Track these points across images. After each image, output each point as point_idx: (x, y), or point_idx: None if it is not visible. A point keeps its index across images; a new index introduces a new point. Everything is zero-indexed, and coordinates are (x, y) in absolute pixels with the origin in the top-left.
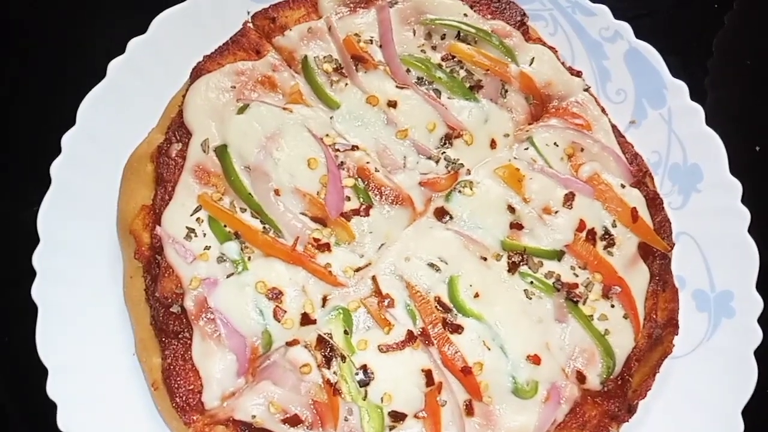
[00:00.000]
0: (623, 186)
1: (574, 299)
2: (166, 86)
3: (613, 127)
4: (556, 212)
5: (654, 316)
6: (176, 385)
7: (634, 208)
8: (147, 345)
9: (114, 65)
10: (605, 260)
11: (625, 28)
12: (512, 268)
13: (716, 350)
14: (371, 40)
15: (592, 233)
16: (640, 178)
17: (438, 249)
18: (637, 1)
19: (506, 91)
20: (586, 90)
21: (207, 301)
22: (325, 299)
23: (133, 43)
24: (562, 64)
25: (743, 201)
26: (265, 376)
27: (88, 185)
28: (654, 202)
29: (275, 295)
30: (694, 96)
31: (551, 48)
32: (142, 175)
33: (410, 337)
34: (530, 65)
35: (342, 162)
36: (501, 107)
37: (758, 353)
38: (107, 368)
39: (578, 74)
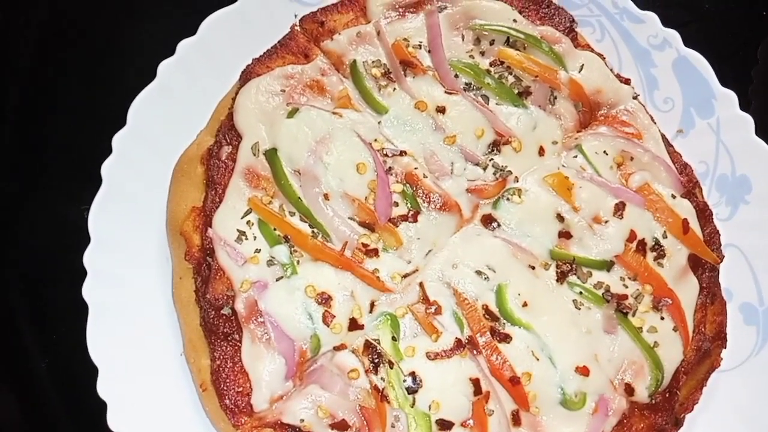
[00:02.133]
0: (674, 196)
1: (624, 311)
2: (215, 88)
3: (662, 136)
4: (606, 222)
5: (703, 329)
6: (225, 387)
7: (686, 219)
8: (196, 346)
9: (164, 66)
10: (655, 272)
11: (674, 35)
12: (561, 277)
13: (765, 365)
14: (420, 45)
15: (642, 244)
16: (690, 188)
17: (486, 257)
18: (684, 8)
19: (555, 97)
20: (635, 98)
21: (257, 304)
22: (372, 305)
23: (183, 45)
24: (611, 71)
25: None
26: (313, 380)
27: (138, 185)
28: (703, 214)
29: (324, 299)
30: (741, 105)
31: (599, 55)
32: (192, 176)
33: (458, 345)
34: (580, 72)
35: (390, 167)
36: (549, 114)
37: None
38: (156, 368)
39: (627, 82)
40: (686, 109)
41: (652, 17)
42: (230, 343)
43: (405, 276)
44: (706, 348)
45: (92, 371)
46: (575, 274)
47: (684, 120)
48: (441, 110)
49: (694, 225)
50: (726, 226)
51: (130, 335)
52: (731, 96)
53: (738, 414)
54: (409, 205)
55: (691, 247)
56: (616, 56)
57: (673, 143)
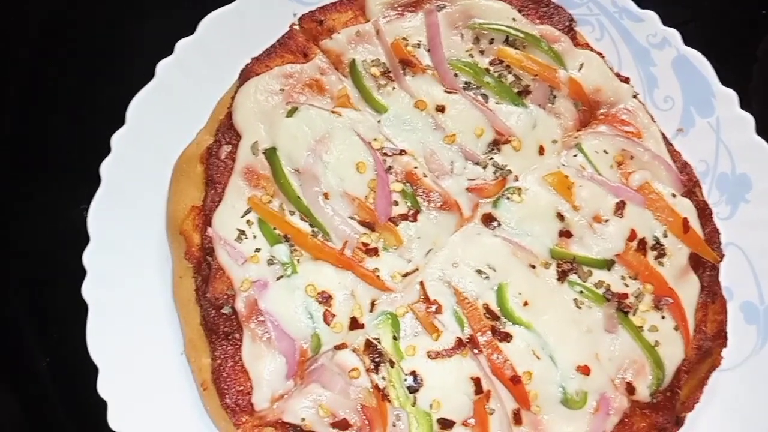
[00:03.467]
0: (674, 195)
1: (624, 310)
2: (214, 87)
3: (662, 135)
4: (607, 221)
5: (704, 328)
6: (226, 386)
7: (686, 218)
8: (196, 345)
9: (162, 66)
10: (656, 271)
11: (674, 34)
12: (561, 276)
13: (765, 364)
14: (419, 44)
15: (642, 243)
16: (690, 187)
17: (486, 256)
18: (684, 6)
19: (554, 96)
20: (635, 97)
21: (258, 303)
22: (373, 304)
23: (182, 44)
24: (610, 70)
25: None
26: (314, 379)
27: (138, 185)
28: (704, 212)
29: (325, 298)
30: (741, 103)
31: (599, 54)
32: (192, 176)
33: (459, 344)
34: (579, 71)
35: (390, 166)
36: (549, 113)
37: None
38: (156, 368)
39: (626, 81)
40: (686, 107)
41: (651, 16)
42: (231, 342)
43: (405, 275)
44: (707, 347)
45: (93, 371)
46: (576, 273)
47: (684, 119)
48: (440, 109)
49: (695, 224)
50: (726, 225)
51: (131, 334)
52: (731, 95)
53: (739, 413)
54: (409, 204)
55: (691, 246)
56: (616, 55)
57: (673, 142)
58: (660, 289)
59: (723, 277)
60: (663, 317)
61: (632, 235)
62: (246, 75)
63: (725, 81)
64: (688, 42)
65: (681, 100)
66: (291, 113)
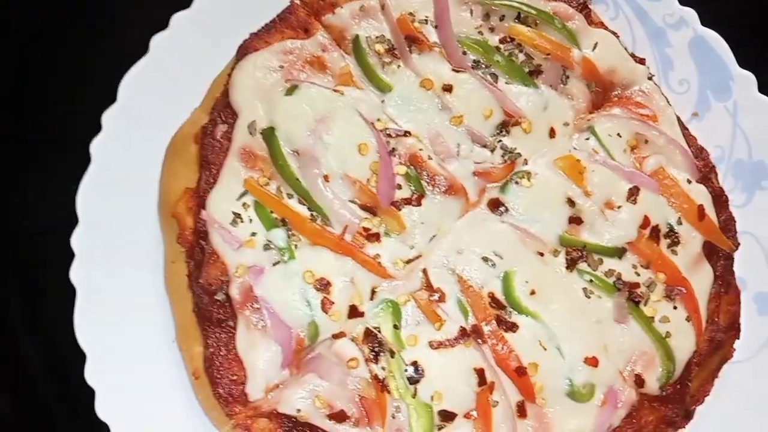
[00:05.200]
0: (689, 181)
1: (635, 299)
2: (210, 64)
3: (678, 119)
4: (619, 207)
5: (716, 319)
6: (219, 375)
7: (701, 205)
8: (188, 333)
9: (157, 41)
10: (669, 259)
11: (691, 14)
12: (570, 264)
13: None
14: (426, 20)
15: (656, 230)
16: (706, 173)
17: (492, 242)
18: None
19: (567, 77)
20: (650, 78)
21: (253, 290)
22: (373, 292)
23: (177, 18)
24: (625, 50)
25: None
26: (311, 368)
27: (129, 165)
28: (719, 199)
29: (323, 285)
30: (762, 88)
31: (613, 33)
32: (186, 156)
33: (462, 334)
34: (593, 50)
35: (393, 148)
36: (561, 94)
37: None
38: (147, 355)
39: (641, 62)
40: (702, 91)
41: None
42: (224, 330)
43: (408, 262)
44: (719, 339)
45: (81, 357)
46: (585, 261)
47: (700, 102)
48: (447, 89)
49: (710, 211)
50: (741, 213)
51: (120, 321)
52: (750, 78)
53: (750, 407)
54: (412, 187)
55: (706, 234)
56: (630, 35)
57: (688, 126)
58: (672, 278)
59: (737, 267)
60: (675, 308)
61: (645, 222)
62: (244, 51)
63: (745, 64)
64: (707, 23)
65: (697, 83)
66: (290, 91)
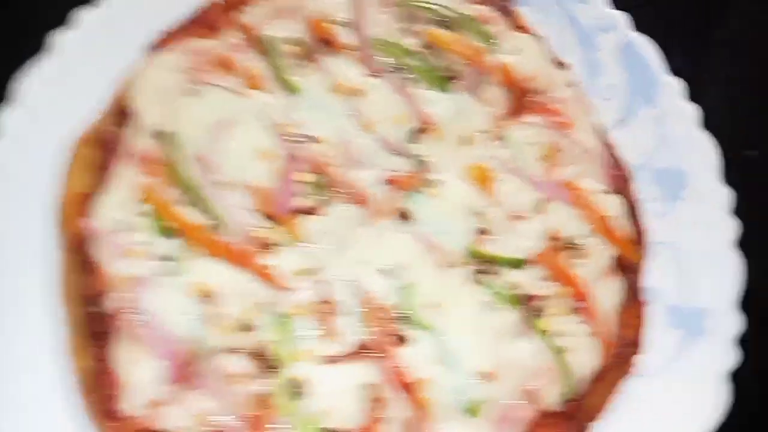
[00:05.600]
0: (603, 192)
1: (539, 313)
2: (113, 63)
3: (599, 126)
4: (527, 218)
5: (621, 333)
6: (100, 389)
7: (612, 216)
8: (75, 344)
9: (57, 37)
10: (575, 272)
11: (622, 18)
12: (475, 276)
13: (687, 371)
14: (342, 22)
15: (563, 242)
16: (622, 183)
17: (396, 254)
18: None
19: (485, 83)
20: (572, 85)
21: (139, 301)
22: (267, 304)
23: (79, 14)
24: (550, 55)
25: (736, 211)
26: (195, 384)
27: (23, 167)
28: (635, 210)
29: (213, 297)
30: (692, 95)
31: (539, 37)
32: (85, 160)
33: (357, 348)
34: (513, 56)
35: (298, 155)
36: (478, 100)
37: (732, 376)
38: (32, 367)
39: (565, 67)
40: (629, 97)
41: None
42: (107, 342)
43: (307, 273)
44: (624, 353)
45: None
46: (491, 273)
47: (626, 109)
48: (360, 93)
49: (622, 223)
50: (659, 224)
51: (5, 329)
52: (676, 85)
53: (655, 422)
54: (316, 196)
55: (616, 245)
56: (559, 39)
57: (614, 133)
58: (578, 291)
59: (650, 279)
60: (578, 321)
61: (553, 234)
62: (150, 50)
63: (680, 70)
64: (642, 27)
65: (625, 89)
66: (194, 94)
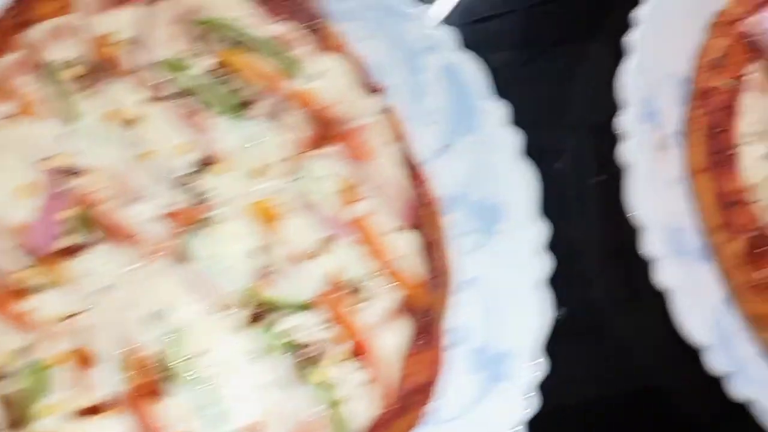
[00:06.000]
0: (396, 229)
1: (316, 359)
2: None
3: (411, 156)
4: (312, 257)
5: (410, 379)
6: None
7: (401, 256)
8: None
9: None
10: (355, 316)
11: (449, 36)
12: (252, 321)
13: (482, 419)
14: (127, 42)
15: (348, 284)
16: (426, 218)
17: (164, 297)
18: (483, 3)
19: (283, 110)
20: (386, 111)
21: None
22: (17, 351)
23: None
24: (362, 78)
25: (555, 244)
26: None
27: None
28: (437, 246)
29: None
30: (520, 123)
31: (354, 58)
32: None
33: (114, 401)
34: (316, 81)
35: (64, 189)
36: (274, 129)
37: (533, 423)
38: None
39: (379, 91)
40: (451, 123)
41: (425, 13)
42: None
43: (66, 318)
44: (412, 401)
45: None
46: (269, 317)
47: (448, 136)
48: (140, 121)
49: (414, 261)
50: (472, 260)
51: None
52: (499, 110)
53: None
54: (80, 234)
55: (405, 288)
56: (387, 58)
57: (433, 162)
58: (360, 336)
59: (452, 320)
60: (357, 368)
61: (337, 275)
62: None
63: (512, 95)
64: (479, 45)
65: (448, 114)
66: None
